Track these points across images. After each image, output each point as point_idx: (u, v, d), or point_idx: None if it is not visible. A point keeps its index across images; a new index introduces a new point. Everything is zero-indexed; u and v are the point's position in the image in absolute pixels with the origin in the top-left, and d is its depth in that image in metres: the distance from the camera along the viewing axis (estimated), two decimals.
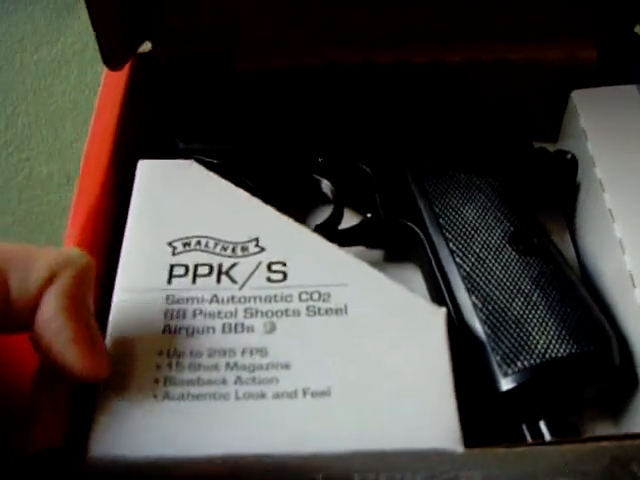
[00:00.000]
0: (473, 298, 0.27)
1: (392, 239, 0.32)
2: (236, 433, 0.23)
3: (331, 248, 0.27)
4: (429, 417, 0.23)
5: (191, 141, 0.33)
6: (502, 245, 0.28)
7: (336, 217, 0.31)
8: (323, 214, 0.33)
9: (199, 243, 0.27)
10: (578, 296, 0.27)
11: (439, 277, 0.29)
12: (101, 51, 0.29)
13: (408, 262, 0.32)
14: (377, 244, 0.32)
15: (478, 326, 0.27)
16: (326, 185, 0.32)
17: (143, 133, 0.33)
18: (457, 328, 0.27)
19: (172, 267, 0.26)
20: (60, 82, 0.52)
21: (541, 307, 0.26)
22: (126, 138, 0.31)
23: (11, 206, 0.51)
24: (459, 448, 0.22)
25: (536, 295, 0.27)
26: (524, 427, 0.26)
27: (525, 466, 0.24)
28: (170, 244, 0.27)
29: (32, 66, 0.50)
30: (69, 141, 0.51)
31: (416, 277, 0.32)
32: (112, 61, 0.30)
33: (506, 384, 0.25)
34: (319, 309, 0.25)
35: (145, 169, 0.30)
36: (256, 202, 0.29)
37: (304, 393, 0.23)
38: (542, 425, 0.25)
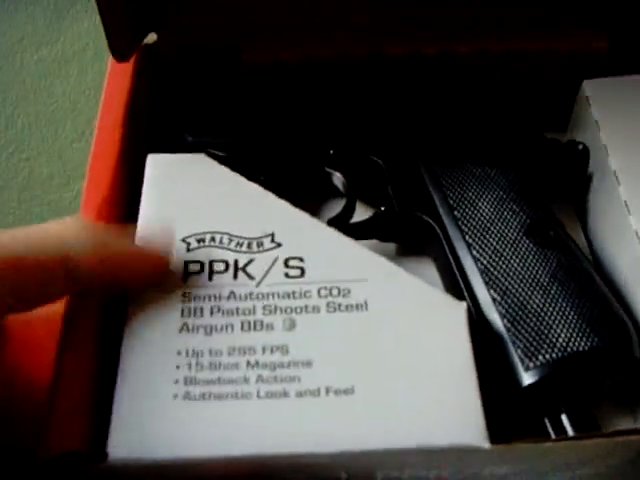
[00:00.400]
0: (492, 292, 0.27)
1: (406, 232, 0.31)
2: (259, 433, 0.22)
3: (348, 243, 0.27)
4: (454, 413, 0.23)
5: (200, 134, 0.32)
6: (519, 238, 0.28)
7: (348, 210, 0.31)
8: (335, 207, 0.33)
9: (213, 239, 0.27)
10: (596, 289, 0.27)
11: (456, 271, 0.28)
12: (109, 42, 0.28)
13: (421, 255, 0.32)
14: (390, 237, 0.32)
15: (498, 320, 0.26)
16: (338, 178, 0.32)
17: (150, 126, 0.32)
18: (476, 322, 0.27)
19: (187, 264, 0.26)
20: (60, 82, 0.51)
21: (560, 300, 0.26)
22: (134, 131, 0.31)
23: (11, 206, 0.51)
24: (485, 444, 0.22)
25: (555, 288, 0.26)
26: (546, 421, 0.25)
27: (551, 460, 0.24)
28: (184, 240, 0.26)
29: (32, 66, 0.50)
30: (69, 141, 0.51)
31: (430, 271, 0.31)
32: (120, 52, 0.29)
33: (528, 378, 0.25)
34: (339, 305, 0.25)
35: (155, 163, 0.29)
36: (270, 196, 0.28)
37: (327, 391, 0.23)
38: (564, 418, 0.25)
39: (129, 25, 0.30)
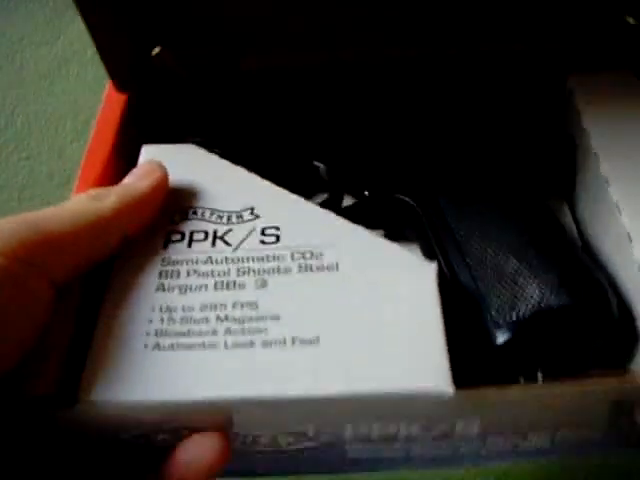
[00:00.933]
0: (467, 259, 0.27)
1: (389, 216, 0.32)
2: (225, 380, 0.23)
3: (324, 213, 0.28)
4: (419, 362, 0.23)
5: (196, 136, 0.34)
6: (497, 209, 0.28)
7: (335, 199, 0.32)
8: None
9: (195, 213, 0.28)
10: (575, 254, 0.27)
11: (434, 244, 0.29)
12: (111, 78, 0.30)
13: (408, 243, 0.32)
14: (375, 223, 0.32)
15: (472, 284, 0.26)
16: (323, 170, 0.33)
17: (147, 130, 0.34)
18: (451, 287, 0.27)
19: (169, 234, 0.27)
20: (60, 81, 0.52)
21: (536, 262, 0.26)
22: (130, 135, 0.32)
23: (11, 206, 0.52)
24: (450, 390, 0.22)
25: (531, 252, 0.27)
26: (521, 380, 0.25)
27: (525, 414, 0.23)
28: (168, 215, 0.28)
29: (32, 65, 0.51)
30: (69, 140, 0.52)
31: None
32: (123, 87, 0.31)
33: (501, 336, 0.25)
34: (310, 266, 0.26)
35: (148, 152, 0.31)
36: (254, 177, 0.29)
37: (293, 341, 0.23)
38: (539, 376, 0.25)
39: (129, 60, 0.32)
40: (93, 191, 0.26)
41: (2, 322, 0.21)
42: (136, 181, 0.27)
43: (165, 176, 0.27)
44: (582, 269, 0.26)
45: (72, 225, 0.24)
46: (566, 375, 0.25)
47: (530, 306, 0.25)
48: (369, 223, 0.32)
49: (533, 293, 0.25)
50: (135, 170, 0.28)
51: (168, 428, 0.23)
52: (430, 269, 0.25)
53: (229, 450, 0.24)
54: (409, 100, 0.36)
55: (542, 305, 0.25)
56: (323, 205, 0.31)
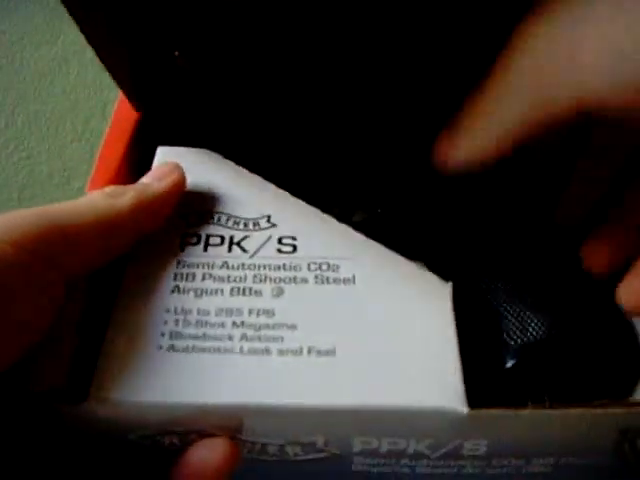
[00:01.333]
0: (482, 282, 0.28)
1: (402, 235, 0.32)
2: (240, 385, 0.23)
3: (341, 226, 0.28)
4: (433, 379, 0.23)
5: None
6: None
7: (346, 213, 0.32)
8: None
9: (212, 217, 0.28)
10: (590, 284, 0.27)
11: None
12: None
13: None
14: (387, 240, 0.32)
15: (486, 306, 0.27)
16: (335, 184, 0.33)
17: (163, 130, 0.34)
18: (466, 307, 0.27)
19: (184, 236, 0.27)
20: (60, 81, 0.52)
21: (550, 289, 0.27)
22: (146, 134, 0.32)
23: (11, 206, 0.51)
24: (464, 409, 0.22)
25: (547, 278, 0.27)
26: (529, 403, 0.25)
27: (532, 437, 0.24)
28: (183, 217, 0.28)
29: (32, 65, 0.51)
30: (69, 140, 0.52)
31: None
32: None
33: (510, 359, 0.25)
34: (327, 278, 0.26)
35: (163, 154, 0.31)
36: (270, 185, 0.29)
37: (309, 351, 0.23)
38: (546, 400, 0.25)
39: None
40: (109, 188, 0.25)
41: (11, 312, 0.21)
42: (153, 181, 0.27)
43: (182, 178, 0.27)
44: (595, 298, 0.27)
45: (88, 220, 0.24)
46: (573, 401, 0.25)
47: (541, 331, 0.25)
48: (380, 240, 0.32)
49: (545, 318, 0.25)
50: (152, 171, 0.28)
51: (178, 431, 0.23)
52: (446, 288, 0.26)
53: (239, 456, 0.23)
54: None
55: (552, 330, 0.25)
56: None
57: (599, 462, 0.25)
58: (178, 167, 0.28)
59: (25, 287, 0.21)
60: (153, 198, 0.26)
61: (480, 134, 0.26)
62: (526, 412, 0.22)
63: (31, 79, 0.53)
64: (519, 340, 0.25)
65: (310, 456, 0.25)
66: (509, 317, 0.26)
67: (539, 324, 0.25)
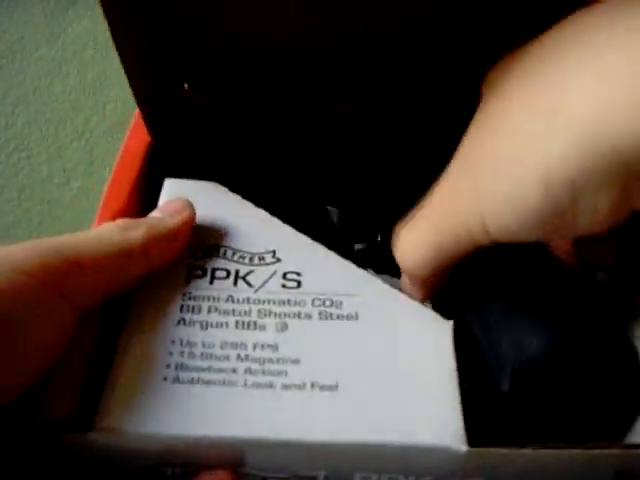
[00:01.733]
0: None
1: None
2: (243, 419, 0.23)
3: (345, 263, 0.28)
4: (434, 417, 0.23)
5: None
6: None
7: (346, 243, 0.33)
8: None
9: (217, 251, 0.28)
10: (588, 306, 0.28)
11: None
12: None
13: None
14: (385, 268, 0.33)
15: (481, 331, 0.27)
16: (335, 214, 0.34)
17: (170, 168, 0.35)
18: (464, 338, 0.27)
19: (190, 269, 0.27)
20: (60, 81, 0.52)
21: (546, 312, 0.27)
22: (156, 160, 0.33)
23: (11, 205, 0.51)
24: (462, 446, 0.22)
25: (542, 301, 0.27)
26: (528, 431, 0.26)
27: (529, 472, 0.24)
28: (190, 250, 0.28)
29: (32, 65, 0.51)
30: (69, 140, 0.52)
31: None
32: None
33: (506, 382, 0.25)
34: (331, 314, 0.26)
35: (171, 186, 0.31)
36: (275, 220, 0.30)
37: (312, 386, 0.24)
38: (546, 429, 0.25)
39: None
40: (122, 221, 0.26)
41: (23, 341, 0.21)
42: (166, 217, 0.27)
43: (193, 215, 0.28)
44: (595, 318, 0.27)
45: (101, 253, 0.24)
46: (575, 427, 0.26)
47: (536, 351, 0.26)
48: (379, 268, 0.33)
49: (541, 338, 0.26)
50: (164, 206, 0.28)
51: (180, 462, 0.23)
52: (446, 326, 0.26)
53: None
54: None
55: (549, 350, 0.25)
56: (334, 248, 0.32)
57: None
58: (190, 204, 0.28)
59: (37, 318, 0.22)
60: (166, 233, 0.26)
61: (412, 240, 0.27)
62: (525, 451, 0.23)
63: (31, 79, 0.53)
64: (515, 362, 0.26)
65: None
66: (504, 340, 0.26)
67: (535, 344, 0.26)
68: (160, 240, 0.26)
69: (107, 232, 0.25)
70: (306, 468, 0.24)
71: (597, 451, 0.23)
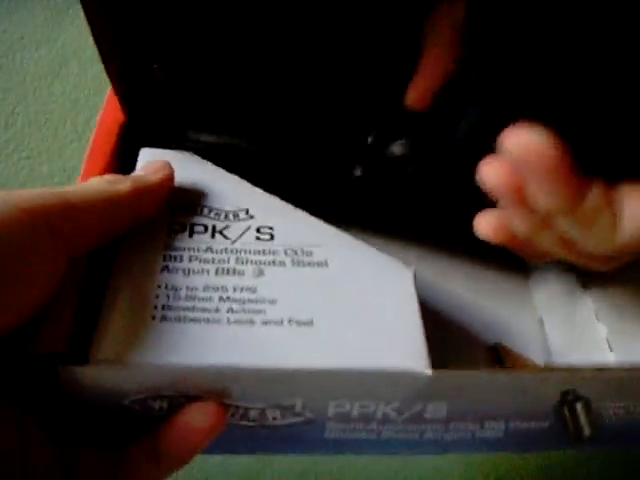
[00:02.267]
0: None
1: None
2: (227, 350, 0.25)
3: (313, 218, 0.31)
4: (400, 346, 0.26)
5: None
6: None
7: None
8: None
9: (195, 210, 0.30)
10: None
11: None
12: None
13: None
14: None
15: None
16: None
17: (146, 134, 0.37)
18: None
19: (171, 224, 0.29)
20: (60, 81, 0.53)
21: None
22: (130, 134, 0.35)
23: None
24: (428, 371, 0.25)
25: None
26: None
27: (486, 394, 0.26)
28: (169, 208, 0.30)
29: (32, 65, 0.52)
30: (69, 140, 0.52)
31: None
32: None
33: None
34: (302, 261, 0.28)
35: (146, 156, 0.33)
36: (246, 184, 0.32)
37: (289, 321, 0.26)
38: None
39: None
40: (109, 176, 0.28)
41: (19, 272, 0.23)
42: (148, 174, 0.29)
43: (172, 173, 0.30)
44: None
45: (93, 200, 0.26)
46: None
47: None
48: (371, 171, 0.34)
49: None
50: (145, 166, 0.30)
51: (168, 394, 0.25)
52: (408, 273, 0.29)
53: (225, 418, 0.26)
54: None
55: None
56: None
57: (543, 427, 0.28)
58: (168, 164, 0.30)
59: (33, 252, 0.23)
60: (149, 187, 0.28)
61: None
62: (482, 374, 0.26)
63: (31, 79, 0.53)
64: None
65: (287, 421, 0.27)
66: None
67: None
68: (144, 192, 0.28)
69: (96, 183, 0.27)
70: (285, 396, 0.26)
71: (546, 373, 0.26)
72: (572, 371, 0.26)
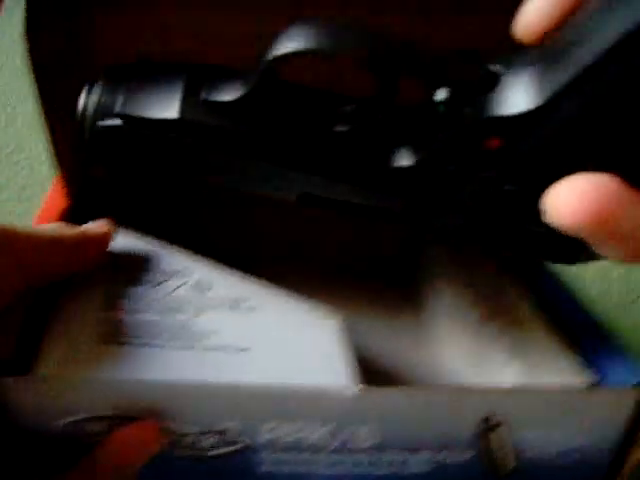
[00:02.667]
0: None
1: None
2: (163, 368, 0.27)
3: (244, 276, 0.33)
4: (328, 370, 0.28)
5: None
6: None
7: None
8: None
9: (138, 267, 0.32)
10: None
11: None
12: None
13: None
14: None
15: None
16: None
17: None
18: None
19: (114, 274, 0.31)
20: None
21: None
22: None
23: (11, 205, 0.50)
24: (355, 388, 0.27)
25: None
26: None
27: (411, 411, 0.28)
28: (113, 264, 0.32)
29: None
30: None
31: None
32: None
33: None
34: (237, 307, 0.31)
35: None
36: (185, 251, 0.35)
37: (228, 347, 0.28)
38: None
39: None
40: (58, 223, 0.30)
41: None
42: (93, 227, 0.31)
43: (113, 229, 0.32)
44: None
45: (47, 236, 0.28)
46: None
47: None
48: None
49: None
50: (89, 223, 0.32)
51: (105, 415, 0.26)
52: (333, 322, 0.31)
53: (161, 436, 0.26)
54: None
55: None
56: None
57: (466, 458, 0.30)
58: (110, 222, 0.32)
59: None
60: (94, 235, 0.30)
61: None
62: (404, 390, 0.28)
63: (31, 79, 0.54)
64: None
65: (222, 450, 0.28)
66: None
67: None
68: (92, 239, 0.30)
69: (49, 226, 0.29)
70: (219, 418, 0.27)
71: (463, 392, 0.28)
72: (489, 391, 0.29)
